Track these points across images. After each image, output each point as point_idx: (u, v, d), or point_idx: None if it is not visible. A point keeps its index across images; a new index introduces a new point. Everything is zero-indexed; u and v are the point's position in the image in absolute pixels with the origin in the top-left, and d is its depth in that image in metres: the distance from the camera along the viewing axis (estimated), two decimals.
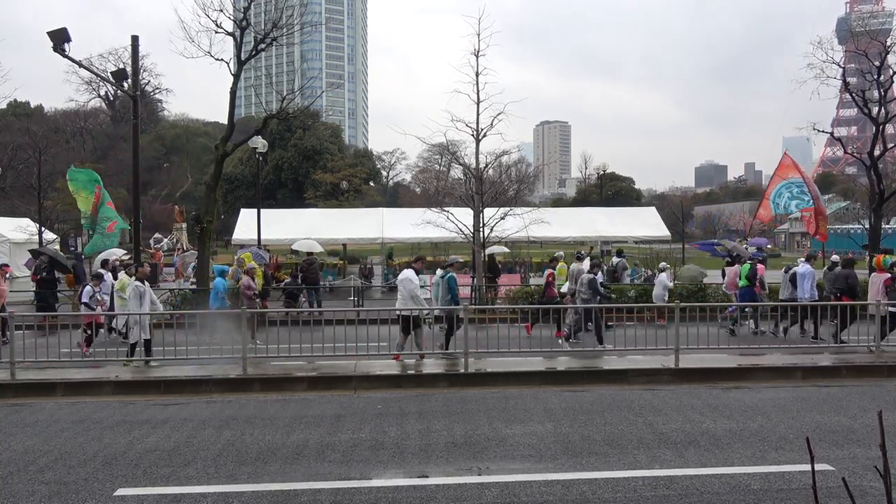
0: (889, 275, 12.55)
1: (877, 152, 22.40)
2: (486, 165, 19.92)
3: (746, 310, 14.41)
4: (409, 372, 10.51)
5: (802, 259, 14.58)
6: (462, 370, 10.44)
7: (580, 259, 14.99)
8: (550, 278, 14.86)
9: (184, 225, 28.65)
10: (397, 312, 11.61)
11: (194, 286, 20.26)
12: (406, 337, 11.50)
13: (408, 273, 11.65)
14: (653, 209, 31.29)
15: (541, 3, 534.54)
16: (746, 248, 24.20)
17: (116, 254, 20.81)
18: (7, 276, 15.58)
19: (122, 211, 38.00)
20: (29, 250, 24.84)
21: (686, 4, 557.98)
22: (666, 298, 15.94)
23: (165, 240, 28.78)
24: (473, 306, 15.26)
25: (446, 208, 20.05)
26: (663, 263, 18.52)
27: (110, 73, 21.96)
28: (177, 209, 26.42)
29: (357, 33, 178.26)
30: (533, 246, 27.54)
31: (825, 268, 14.49)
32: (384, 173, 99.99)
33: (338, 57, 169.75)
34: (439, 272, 12.34)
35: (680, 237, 33.73)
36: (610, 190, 78.04)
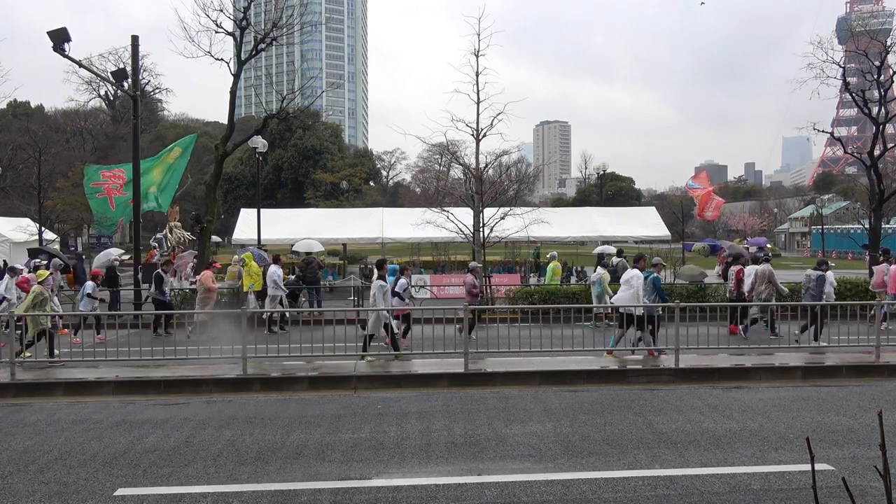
0: None
1: (877, 152, 22.40)
2: (486, 165, 19.91)
3: None
4: (410, 371, 10.50)
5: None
6: (462, 370, 10.44)
7: (766, 260, 15.02)
8: (741, 275, 14.88)
9: (178, 223, 28.54)
10: (621, 310, 11.83)
11: (195, 285, 20.25)
12: (641, 332, 11.65)
13: (635, 272, 11.97)
14: (653, 209, 31.28)
15: (539, 4, 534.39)
16: (747, 248, 24.25)
17: (113, 254, 20.83)
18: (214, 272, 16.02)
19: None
20: (28, 249, 24.84)
21: (684, 5, 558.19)
22: (833, 297, 15.69)
23: (163, 240, 28.80)
24: (474, 306, 15.25)
25: (446, 208, 20.04)
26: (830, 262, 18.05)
27: (110, 73, 21.97)
28: (171, 209, 26.36)
29: (357, 33, 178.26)
30: (533, 246, 27.54)
31: None
32: (384, 173, 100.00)
33: (338, 57, 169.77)
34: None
35: (680, 237, 33.74)
36: (610, 190, 78.00)
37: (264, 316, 15.12)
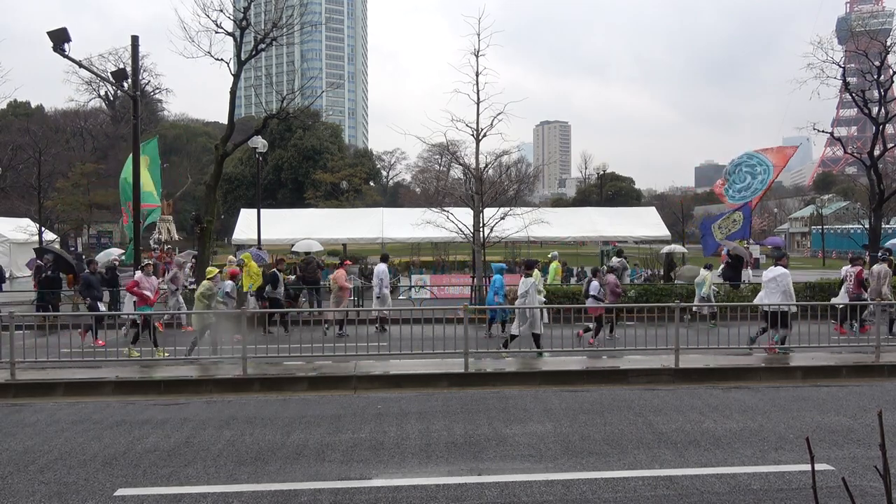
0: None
1: (877, 152, 22.41)
2: (486, 165, 19.90)
3: None
4: (408, 372, 10.49)
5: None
6: (462, 370, 10.43)
7: (884, 260, 15.08)
8: (861, 275, 14.91)
9: (170, 217, 28.55)
10: (766, 308, 11.88)
11: (194, 286, 20.26)
12: (782, 330, 11.72)
13: (782, 270, 12.06)
14: (653, 209, 31.27)
15: (533, 4, 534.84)
16: (747, 248, 24.22)
17: (114, 254, 20.87)
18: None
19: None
20: (34, 248, 24.90)
21: (682, 7, 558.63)
22: None
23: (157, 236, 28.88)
24: (474, 306, 15.26)
25: (446, 208, 20.03)
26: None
27: (110, 73, 21.98)
28: (165, 202, 26.40)
29: (357, 33, 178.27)
30: (533, 246, 27.52)
31: None
32: (384, 173, 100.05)
33: (338, 57, 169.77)
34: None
35: (680, 237, 33.76)
36: (610, 190, 78.07)
37: (374, 315, 15.25)
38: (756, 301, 12.60)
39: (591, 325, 13.53)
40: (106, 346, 12.04)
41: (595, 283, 13.96)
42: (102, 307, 14.28)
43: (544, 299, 14.75)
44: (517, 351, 11.71)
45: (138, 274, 13.01)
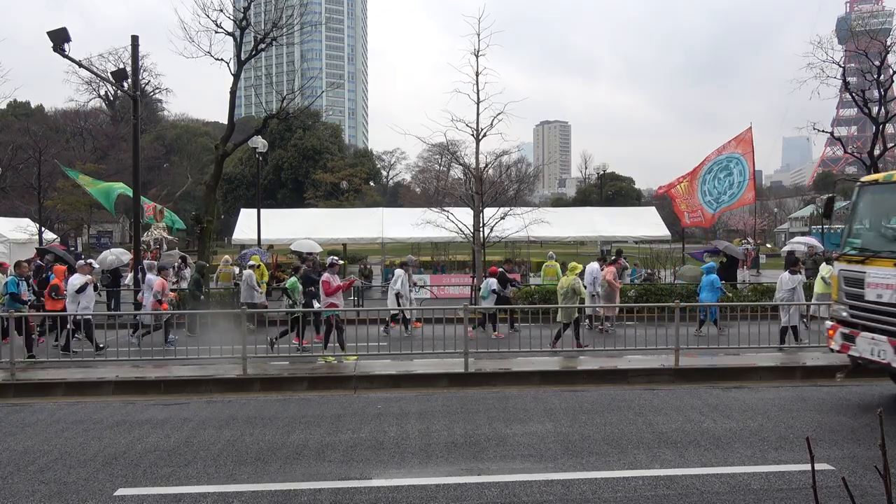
0: None
1: (877, 152, 22.42)
2: (486, 165, 19.92)
3: None
4: (408, 371, 10.50)
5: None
6: (462, 370, 10.43)
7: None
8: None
9: (162, 224, 28.61)
10: None
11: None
12: None
13: None
14: (653, 209, 31.24)
15: (532, 4, 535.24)
16: (743, 248, 24.18)
17: (115, 254, 20.84)
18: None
19: (122, 211, 37.99)
20: (36, 248, 24.91)
21: (682, 7, 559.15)
22: None
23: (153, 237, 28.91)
24: (474, 306, 15.27)
25: (446, 208, 20.04)
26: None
27: (110, 73, 22.00)
28: (156, 207, 26.34)
29: (357, 33, 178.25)
30: (533, 246, 27.53)
31: None
32: (384, 173, 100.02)
33: (338, 57, 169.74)
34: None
35: (680, 237, 33.71)
36: (610, 190, 78.09)
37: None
38: None
39: None
40: (106, 346, 12.02)
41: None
42: (317, 304, 13.88)
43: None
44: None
45: (326, 274, 12.54)
